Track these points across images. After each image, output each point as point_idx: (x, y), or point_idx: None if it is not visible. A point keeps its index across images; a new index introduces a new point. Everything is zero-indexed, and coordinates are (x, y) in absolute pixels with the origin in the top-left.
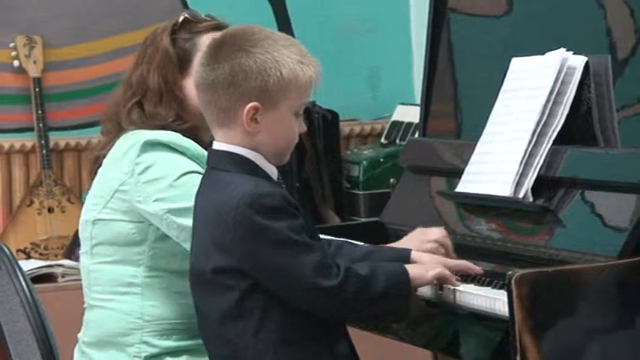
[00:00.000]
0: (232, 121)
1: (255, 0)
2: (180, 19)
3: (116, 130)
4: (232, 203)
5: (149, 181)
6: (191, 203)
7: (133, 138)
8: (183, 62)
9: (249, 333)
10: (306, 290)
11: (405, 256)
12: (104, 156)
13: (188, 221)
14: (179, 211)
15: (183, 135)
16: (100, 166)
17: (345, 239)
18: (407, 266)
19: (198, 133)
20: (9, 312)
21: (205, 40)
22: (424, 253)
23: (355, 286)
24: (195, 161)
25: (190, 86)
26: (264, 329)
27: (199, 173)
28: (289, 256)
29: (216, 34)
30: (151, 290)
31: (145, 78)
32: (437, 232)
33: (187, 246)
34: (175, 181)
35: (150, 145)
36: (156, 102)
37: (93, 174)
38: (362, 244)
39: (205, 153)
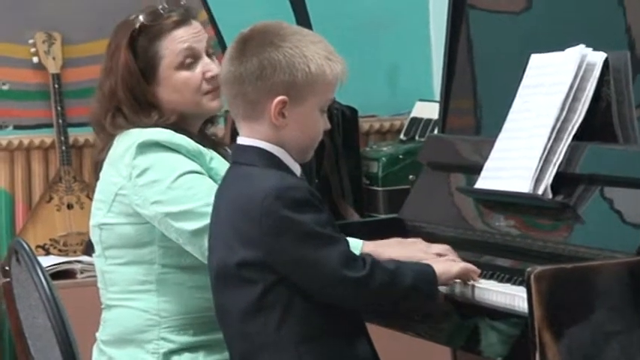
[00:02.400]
0: (259, 115)
1: None
2: (137, 25)
3: (107, 136)
4: (258, 196)
5: (146, 184)
6: (189, 206)
7: (129, 139)
8: (148, 73)
9: (271, 328)
10: (333, 282)
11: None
12: (104, 159)
13: (186, 225)
14: (177, 215)
15: (173, 130)
16: (100, 169)
17: None
18: (431, 262)
19: (185, 125)
20: (28, 308)
21: (167, 44)
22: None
23: (382, 279)
24: (190, 158)
25: (163, 92)
26: (285, 324)
27: (196, 172)
28: (315, 248)
29: (179, 31)
30: (166, 287)
31: (114, 90)
32: (440, 247)
33: (189, 249)
34: (173, 183)
35: (146, 147)
36: (133, 111)
37: (96, 178)
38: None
39: (199, 146)
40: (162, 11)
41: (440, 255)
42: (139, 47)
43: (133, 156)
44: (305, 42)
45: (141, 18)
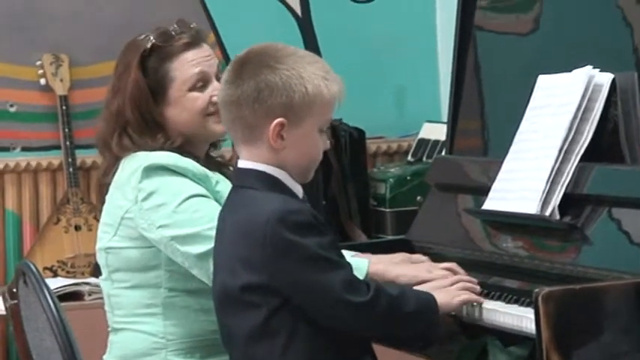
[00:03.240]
0: (258, 138)
1: (282, 20)
2: (149, 45)
3: (113, 157)
4: (261, 220)
5: (152, 207)
6: (195, 229)
7: (135, 162)
8: (157, 93)
9: (276, 353)
10: (336, 306)
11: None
12: (109, 183)
13: (192, 249)
14: (183, 239)
15: (179, 153)
16: (106, 192)
17: None
18: (433, 292)
19: (191, 148)
20: (36, 330)
21: (177, 65)
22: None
23: (385, 304)
24: (196, 181)
25: (171, 112)
26: (290, 349)
27: (202, 196)
28: (318, 271)
29: (189, 53)
30: (172, 310)
31: (122, 109)
32: (447, 265)
33: (195, 272)
34: (178, 207)
35: (151, 170)
36: (139, 132)
37: (101, 200)
38: None
39: (205, 170)
40: (173, 32)
41: (448, 269)
42: (150, 67)
43: (139, 179)
44: (301, 63)
45: (152, 38)
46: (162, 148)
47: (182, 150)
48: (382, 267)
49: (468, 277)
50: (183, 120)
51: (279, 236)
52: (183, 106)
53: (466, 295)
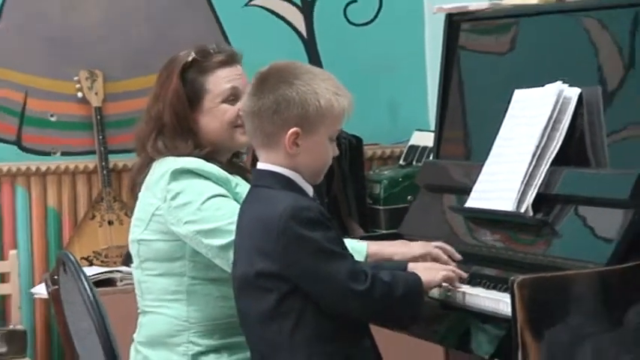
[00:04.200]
0: (276, 144)
1: (290, 40)
2: (190, 59)
3: (147, 158)
4: (275, 215)
5: (179, 206)
6: (217, 224)
7: (164, 166)
8: (193, 101)
9: (286, 331)
10: (339, 293)
11: (403, 267)
12: (140, 182)
13: (215, 241)
14: (206, 232)
15: (205, 159)
16: (139, 189)
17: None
18: (418, 272)
19: (216, 156)
20: (74, 312)
21: (213, 79)
22: (418, 263)
23: (381, 290)
24: (219, 184)
25: (203, 120)
26: (299, 328)
27: (223, 196)
28: (325, 262)
29: (224, 70)
30: (195, 297)
31: (161, 114)
32: (439, 243)
33: (217, 262)
34: (202, 205)
35: (179, 173)
36: (173, 135)
37: (132, 197)
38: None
39: (226, 174)
40: (211, 51)
41: (438, 247)
42: (189, 78)
43: (168, 181)
44: (316, 80)
45: (193, 54)
46: (189, 155)
47: (207, 157)
48: (378, 247)
49: (452, 266)
50: (213, 128)
51: (290, 230)
52: (215, 116)
53: (446, 272)
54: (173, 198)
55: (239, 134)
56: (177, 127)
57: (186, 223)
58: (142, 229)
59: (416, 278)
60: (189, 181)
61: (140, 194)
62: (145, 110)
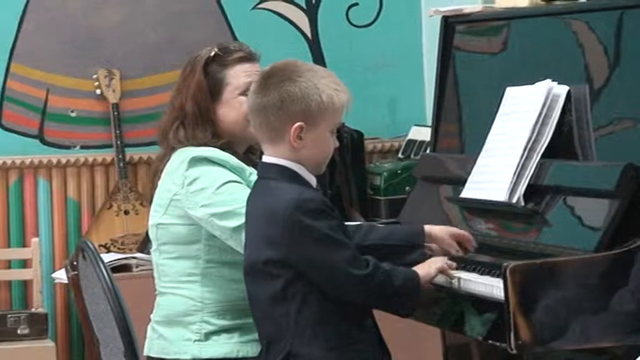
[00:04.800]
0: (280, 139)
1: (295, 40)
2: (212, 53)
3: (169, 147)
4: (281, 206)
5: (196, 191)
6: (230, 207)
7: (182, 155)
8: (214, 92)
9: (292, 314)
10: (341, 278)
11: (419, 226)
12: (161, 169)
13: (228, 223)
14: (221, 215)
15: (221, 149)
16: (158, 177)
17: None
18: (415, 268)
19: (232, 146)
20: (93, 296)
21: (233, 73)
22: (435, 226)
23: (380, 278)
24: (233, 172)
25: (222, 110)
26: (304, 311)
27: (236, 182)
28: (328, 250)
29: (244, 65)
30: (209, 279)
31: (183, 104)
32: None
33: (231, 243)
34: (217, 190)
35: (196, 161)
36: (194, 125)
37: (154, 184)
38: (383, 226)
39: (241, 163)
40: (232, 47)
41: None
42: (210, 71)
43: (186, 168)
44: (317, 77)
45: (215, 49)
46: (207, 144)
47: (223, 147)
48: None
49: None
50: (230, 118)
51: (295, 220)
52: (232, 107)
53: (440, 264)
54: (190, 183)
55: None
56: (199, 117)
57: (202, 206)
58: (160, 213)
59: (413, 272)
60: (206, 168)
61: (160, 181)
62: (169, 102)
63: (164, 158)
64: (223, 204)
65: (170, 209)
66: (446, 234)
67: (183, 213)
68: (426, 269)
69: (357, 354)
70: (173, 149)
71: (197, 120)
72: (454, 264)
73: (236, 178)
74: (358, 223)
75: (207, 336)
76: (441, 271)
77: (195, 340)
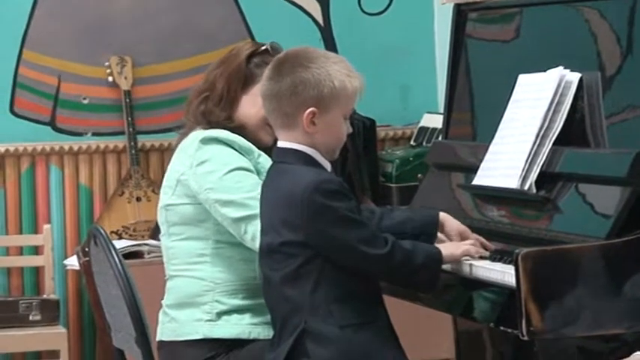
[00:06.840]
0: (294, 124)
1: (308, 28)
2: (263, 48)
3: (190, 122)
4: (299, 188)
5: (203, 173)
6: (234, 196)
7: (195, 136)
8: (247, 81)
9: (307, 291)
10: (361, 257)
11: (434, 215)
12: (176, 146)
13: (230, 212)
14: (224, 202)
15: (231, 131)
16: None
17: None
18: (440, 246)
19: (244, 132)
20: (104, 282)
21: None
22: (451, 219)
23: (400, 255)
24: (242, 153)
25: (245, 101)
26: (319, 289)
27: (245, 169)
28: (348, 229)
29: None
30: (219, 259)
31: (216, 79)
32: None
33: (231, 231)
34: (224, 175)
35: (206, 141)
36: (216, 102)
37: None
38: (397, 213)
39: (250, 145)
40: (280, 51)
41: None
42: (253, 61)
43: (196, 148)
44: (329, 63)
45: (268, 45)
46: (218, 124)
47: (234, 130)
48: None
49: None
50: (249, 111)
51: (314, 201)
52: (255, 103)
53: (467, 247)
54: (199, 164)
55: (264, 132)
56: (225, 96)
57: (206, 189)
58: (169, 195)
59: (437, 250)
60: (216, 148)
61: (171, 162)
62: (206, 72)
63: (182, 138)
64: (228, 191)
65: (178, 189)
66: (457, 233)
67: (191, 192)
68: (452, 249)
69: (370, 332)
70: (192, 126)
71: (221, 99)
72: (487, 253)
73: (246, 164)
74: (371, 207)
75: (219, 315)
76: (467, 255)
77: (206, 320)
